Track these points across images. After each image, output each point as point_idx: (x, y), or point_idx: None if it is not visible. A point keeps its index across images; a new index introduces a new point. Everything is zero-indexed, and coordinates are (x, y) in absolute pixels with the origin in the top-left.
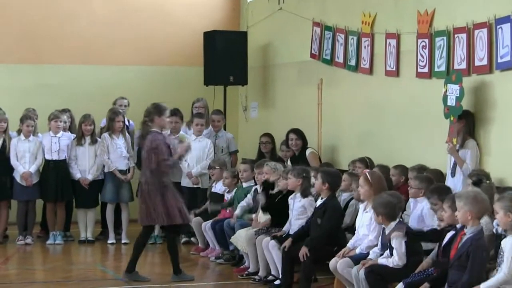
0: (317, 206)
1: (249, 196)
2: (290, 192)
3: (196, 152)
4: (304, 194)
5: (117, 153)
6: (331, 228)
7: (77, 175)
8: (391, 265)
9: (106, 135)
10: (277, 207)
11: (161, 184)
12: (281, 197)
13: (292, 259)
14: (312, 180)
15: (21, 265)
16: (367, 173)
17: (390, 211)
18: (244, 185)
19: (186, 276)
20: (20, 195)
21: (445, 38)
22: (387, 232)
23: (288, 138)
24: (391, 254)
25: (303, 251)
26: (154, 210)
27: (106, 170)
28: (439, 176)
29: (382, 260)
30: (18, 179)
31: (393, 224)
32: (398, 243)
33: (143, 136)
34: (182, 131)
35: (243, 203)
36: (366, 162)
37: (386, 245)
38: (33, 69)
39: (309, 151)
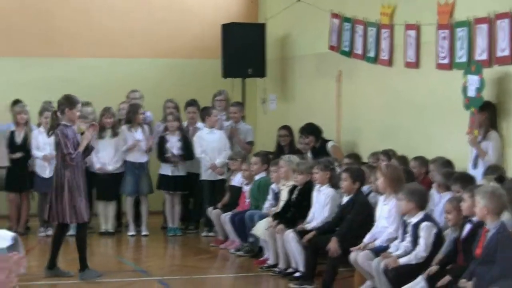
0: (344, 203)
1: (271, 193)
2: (308, 185)
3: (215, 144)
4: (336, 186)
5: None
6: (360, 222)
7: (97, 165)
8: (414, 262)
9: (124, 127)
10: (297, 203)
11: (65, 179)
12: (299, 192)
13: (316, 251)
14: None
15: (42, 257)
16: (383, 166)
17: (421, 199)
18: (256, 177)
19: (63, 273)
20: (40, 187)
21: (466, 28)
22: (413, 221)
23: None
24: (414, 244)
25: (333, 243)
26: (57, 206)
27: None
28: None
29: (403, 259)
30: (38, 170)
31: (421, 214)
32: (427, 232)
33: (52, 127)
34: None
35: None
36: (389, 155)
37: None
38: (50, 62)
39: (330, 144)
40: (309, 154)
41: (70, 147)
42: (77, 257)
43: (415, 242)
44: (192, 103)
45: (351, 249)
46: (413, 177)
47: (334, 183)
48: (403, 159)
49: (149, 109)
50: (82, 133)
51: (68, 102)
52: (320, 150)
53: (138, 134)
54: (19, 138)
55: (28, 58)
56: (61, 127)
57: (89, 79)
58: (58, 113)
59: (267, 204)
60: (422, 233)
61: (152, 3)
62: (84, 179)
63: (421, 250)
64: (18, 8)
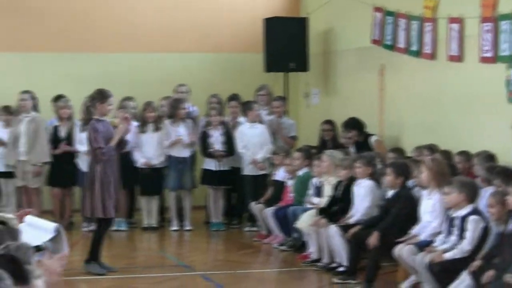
0: (389, 197)
1: (311, 187)
2: (351, 180)
3: (256, 139)
4: (373, 178)
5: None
6: (404, 217)
7: (141, 161)
8: (459, 256)
9: (167, 122)
10: (341, 198)
11: (96, 174)
12: (344, 188)
13: (359, 245)
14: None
15: (85, 252)
16: (427, 159)
17: (472, 192)
18: (299, 173)
19: (100, 269)
20: (83, 182)
21: (510, 21)
22: (460, 214)
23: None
24: (461, 237)
25: (373, 237)
26: (91, 201)
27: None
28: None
29: (449, 254)
30: (81, 165)
31: (469, 207)
32: (474, 226)
33: (85, 122)
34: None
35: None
36: (433, 150)
37: (452, 231)
38: (95, 57)
39: (374, 139)
40: (352, 149)
41: (100, 141)
42: (120, 252)
43: (461, 235)
44: (233, 97)
45: (397, 240)
46: (456, 172)
47: (375, 178)
48: (446, 154)
49: (193, 104)
50: (116, 127)
51: (100, 95)
52: (363, 144)
53: (181, 129)
54: (62, 133)
55: (73, 54)
56: (92, 122)
57: (134, 74)
58: (91, 108)
59: (308, 198)
60: (469, 226)
61: None
62: (117, 174)
63: (466, 243)
64: (64, 3)
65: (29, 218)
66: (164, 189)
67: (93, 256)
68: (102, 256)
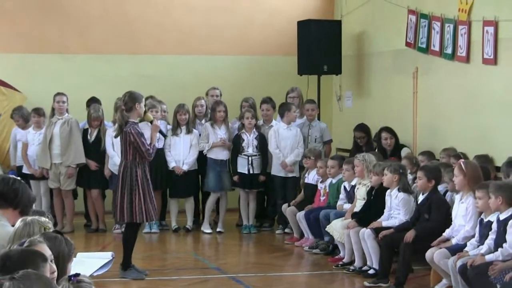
0: (420, 201)
1: (343, 191)
2: (383, 186)
3: (289, 141)
4: (404, 190)
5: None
6: (440, 221)
7: (172, 164)
8: (501, 259)
9: (208, 124)
10: (373, 204)
11: (136, 177)
12: (374, 193)
13: (392, 249)
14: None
15: (118, 254)
16: (461, 163)
17: (510, 195)
18: (333, 180)
19: (136, 274)
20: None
21: None
22: (500, 217)
23: (381, 137)
24: (496, 242)
25: (411, 234)
26: (130, 206)
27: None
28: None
29: (489, 256)
30: (112, 169)
31: (510, 210)
32: None
33: (120, 127)
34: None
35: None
36: (459, 156)
37: (484, 236)
38: (129, 59)
39: (404, 152)
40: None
41: (147, 143)
42: (152, 254)
43: (498, 239)
44: (266, 100)
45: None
46: (489, 175)
47: (401, 187)
48: (481, 157)
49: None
50: (151, 122)
51: (135, 98)
52: (392, 154)
53: (221, 131)
54: (91, 137)
55: (107, 55)
56: (132, 125)
57: (168, 76)
58: (125, 112)
59: (339, 202)
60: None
61: (230, 1)
62: (138, 181)
63: (508, 246)
64: (99, 6)
65: (81, 254)
66: (197, 192)
67: (129, 261)
68: (134, 258)
